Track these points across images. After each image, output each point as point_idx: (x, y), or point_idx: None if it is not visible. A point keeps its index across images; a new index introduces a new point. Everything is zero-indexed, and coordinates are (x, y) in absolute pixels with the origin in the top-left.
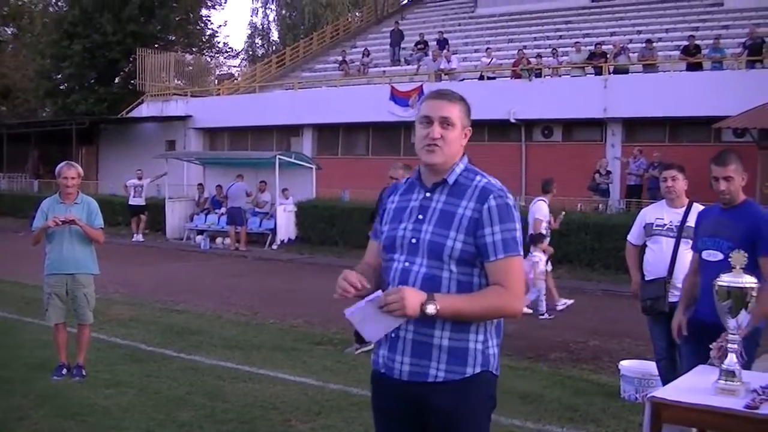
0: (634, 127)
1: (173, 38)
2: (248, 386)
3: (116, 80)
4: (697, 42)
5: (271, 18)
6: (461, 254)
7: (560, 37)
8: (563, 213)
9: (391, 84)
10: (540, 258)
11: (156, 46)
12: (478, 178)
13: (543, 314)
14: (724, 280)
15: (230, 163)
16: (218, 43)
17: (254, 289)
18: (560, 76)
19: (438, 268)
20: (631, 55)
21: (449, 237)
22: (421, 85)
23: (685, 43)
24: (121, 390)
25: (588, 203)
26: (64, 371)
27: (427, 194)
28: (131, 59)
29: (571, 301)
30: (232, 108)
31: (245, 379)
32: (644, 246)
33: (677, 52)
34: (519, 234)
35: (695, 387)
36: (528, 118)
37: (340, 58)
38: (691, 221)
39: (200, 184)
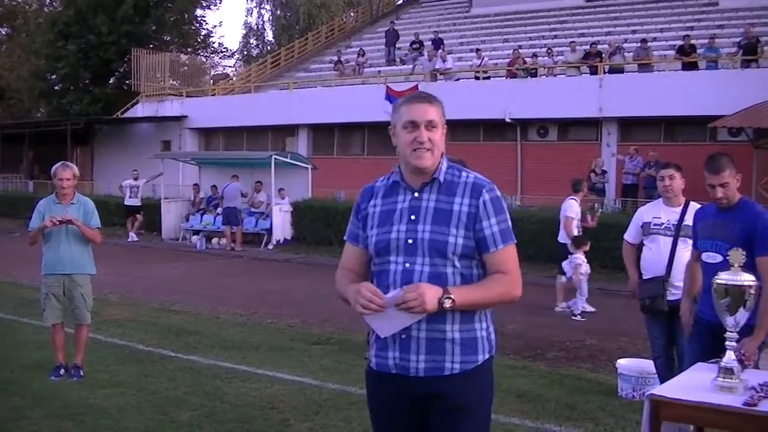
0: (630, 127)
1: (168, 38)
2: (246, 386)
3: (111, 81)
4: (692, 41)
5: (266, 18)
6: (463, 249)
7: (555, 36)
8: (599, 210)
9: (386, 84)
10: (582, 260)
11: (151, 46)
12: (464, 174)
13: (576, 315)
14: (722, 278)
15: (226, 164)
16: (213, 43)
17: (250, 289)
18: (555, 75)
19: (442, 265)
20: (626, 54)
21: (450, 234)
22: (417, 85)
23: (680, 42)
24: (119, 390)
25: (583, 203)
26: (62, 371)
27: (416, 194)
28: (126, 59)
29: (565, 304)
30: (228, 108)
31: (243, 379)
32: (641, 245)
33: (672, 52)
34: (510, 223)
35: (694, 384)
36: (523, 117)
37: (335, 58)
38: (689, 220)
39: (196, 185)
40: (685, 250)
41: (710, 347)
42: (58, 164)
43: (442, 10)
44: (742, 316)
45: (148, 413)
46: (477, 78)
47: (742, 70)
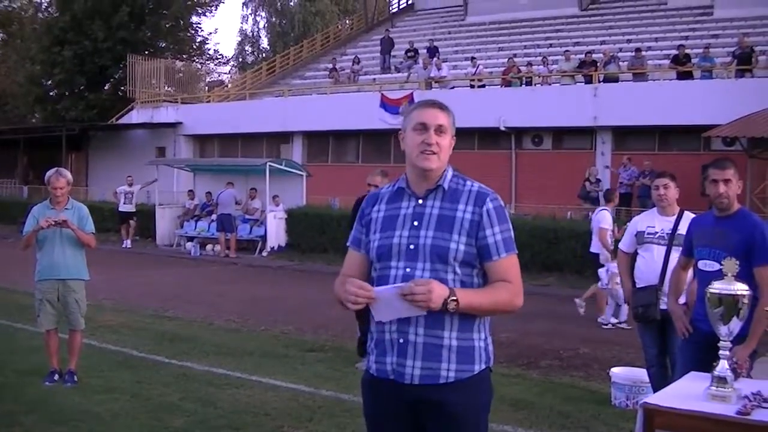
0: (624, 136)
1: (163, 45)
2: (240, 392)
3: (106, 87)
4: (687, 51)
5: (261, 25)
6: (465, 256)
7: (550, 45)
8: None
9: (381, 92)
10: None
11: (146, 52)
12: (468, 183)
13: (607, 324)
14: (716, 287)
15: (220, 170)
16: (208, 50)
17: (244, 296)
18: (550, 84)
19: (443, 271)
20: (620, 63)
21: (452, 240)
22: (412, 93)
23: (675, 52)
24: (113, 396)
25: (578, 211)
26: (56, 377)
27: (420, 201)
28: (121, 66)
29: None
30: (222, 115)
31: (237, 386)
32: (635, 254)
33: (667, 61)
34: (513, 234)
35: (687, 393)
36: (518, 126)
37: (330, 66)
38: (683, 229)
39: (190, 191)
40: None
41: (703, 356)
42: (52, 171)
43: (438, 18)
44: (735, 325)
45: (141, 419)
46: (472, 86)
47: (736, 79)
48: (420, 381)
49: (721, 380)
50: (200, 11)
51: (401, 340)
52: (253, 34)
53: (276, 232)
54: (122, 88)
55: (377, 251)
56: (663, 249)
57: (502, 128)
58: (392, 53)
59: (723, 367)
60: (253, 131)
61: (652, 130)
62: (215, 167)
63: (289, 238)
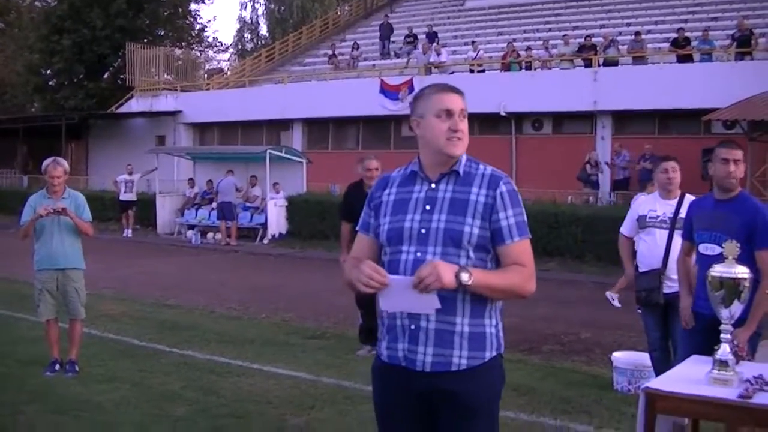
0: (624, 120)
1: (162, 33)
2: (242, 381)
3: (105, 75)
4: (687, 34)
5: (260, 12)
6: (479, 240)
7: (549, 29)
8: None
9: (380, 77)
10: None
11: (145, 40)
12: (481, 166)
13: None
14: (717, 270)
15: (220, 158)
16: (207, 37)
17: (246, 284)
18: (550, 68)
19: (455, 255)
20: (620, 47)
21: (466, 223)
22: (411, 79)
23: (675, 35)
24: (114, 385)
25: (578, 196)
26: (57, 367)
27: (432, 185)
28: (120, 54)
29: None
30: (222, 103)
31: (238, 374)
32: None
33: (666, 45)
34: (526, 218)
35: (689, 377)
36: (518, 111)
37: (329, 52)
38: (684, 213)
39: (191, 179)
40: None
41: (705, 340)
42: (49, 160)
43: (437, 4)
44: (737, 308)
45: (143, 408)
46: (471, 71)
47: (736, 62)
48: (432, 368)
49: (723, 364)
50: None
51: (413, 326)
52: (252, 21)
53: (276, 220)
54: (121, 76)
55: (387, 234)
56: (665, 233)
57: (502, 113)
58: (391, 39)
59: (724, 350)
60: (252, 119)
61: (652, 113)
62: (215, 155)
63: (290, 225)
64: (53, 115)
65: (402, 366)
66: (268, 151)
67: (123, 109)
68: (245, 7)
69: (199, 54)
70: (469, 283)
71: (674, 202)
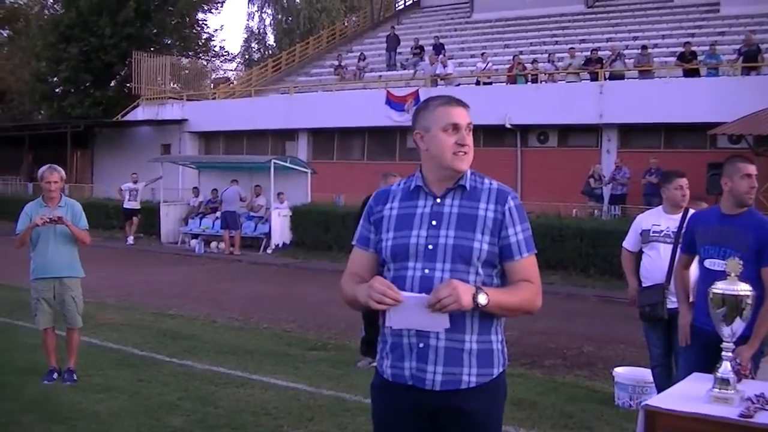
0: (630, 133)
1: (169, 42)
2: (240, 392)
3: (112, 84)
4: (693, 48)
5: (267, 22)
6: (488, 256)
7: (556, 42)
8: None
9: (386, 89)
10: None
11: (152, 49)
12: (486, 181)
13: None
14: (719, 287)
15: (225, 167)
16: (214, 46)
17: (248, 294)
18: (556, 81)
19: (464, 272)
20: (627, 60)
21: (475, 239)
22: (417, 90)
23: (681, 49)
24: (112, 395)
25: (583, 209)
26: (55, 375)
27: (438, 200)
28: (127, 63)
29: None
30: (228, 112)
31: (237, 385)
32: (640, 252)
33: (673, 59)
34: (532, 233)
35: (690, 395)
36: (524, 123)
37: (336, 63)
38: None
39: (195, 188)
40: None
41: (707, 356)
42: (45, 167)
43: (444, 15)
44: (738, 326)
45: (140, 418)
46: (478, 83)
47: (742, 77)
48: (442, 387)
49: (724, 382)
50: (206, 8)
51: (421, 345)
52: (259, 31)
53: (280, 230)
54: (128, 85)
55: (392, 250)
56: (669, 247)
57: (508, 125)
58: (398, 50)
59: (725, 368)
60: (258, 128)
61: (657, 127)
62: (220, 164)
63: (294, 235)
64: (59, 123)
65: (409, 385)
66: (273, 161)
67: (129, 118)
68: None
69: (205, 63)
70: (485, 304)
71: (678, 216)
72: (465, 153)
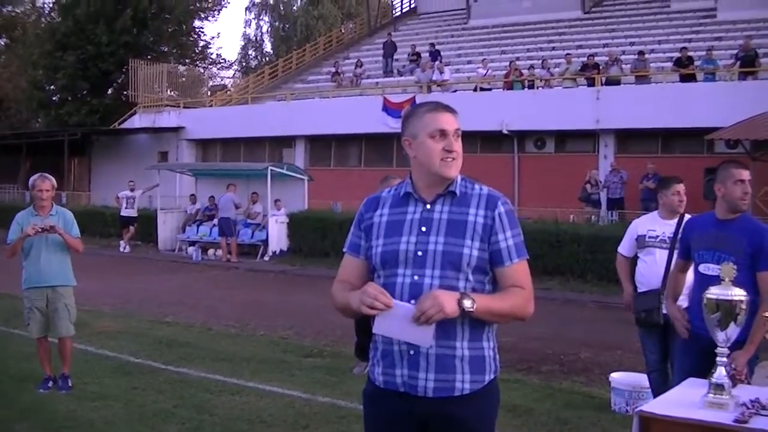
0: (627, 139)
1: (166, 49)
2: (236, 399)
3: (109, 91)
4: (690, 53)
5: (264, 30)
6: (478, 262)
7: (553, 48)
8: None
9: (383, 95)
10: None
11: (149, 57)
12: (476, 186)
13: None
14: (713, 292)
15: (222, 175)
16: (211, 54)
17: (245, 301)
18: (552, 87)
19: (454, 278)
20: (623, 66)
21: (465, 245)
22: (414, 97)
23: (678, 54)
24: (107, 403)
25: (580, 215)
26: (50, 384)
27: (428, 206)
28: (124, 70)
29: None
30: (225, 119)
31: (233, 392)
32: (635, 258)
33: (670, 64)
34: (523, 238)
35: (684, 400)
36: (520, 129)
37: (332, 70)
38: None
39: (192, 195)
40: None
41: (702, 361)
42: (36, 175)
43: (440, 22)
44: (733, 331)
45: (135, 426)
46: (476, 89)
47: (739, 82)
48: (434, 394)
49: (719, 387)
50: (203, 16)
51: (411, 352)
52: (256, 39)
53: (278, 237)
54: (125, 92)
55: (382, 257)
56: (665, 252)
57: (505, 132)
58: (395, 57)
59: (720, 374)
60: (255, 135)
61: (654, 132)
62: (217, 171)
63: (291, 242)
64: (56, 131)
65: (401, 392)
66: (270, 168)
67: (126, 125)
68: (250, 25)
69: (202, 71)
70: (473, 309)
71: (673, 222)
72: (453, 159)
